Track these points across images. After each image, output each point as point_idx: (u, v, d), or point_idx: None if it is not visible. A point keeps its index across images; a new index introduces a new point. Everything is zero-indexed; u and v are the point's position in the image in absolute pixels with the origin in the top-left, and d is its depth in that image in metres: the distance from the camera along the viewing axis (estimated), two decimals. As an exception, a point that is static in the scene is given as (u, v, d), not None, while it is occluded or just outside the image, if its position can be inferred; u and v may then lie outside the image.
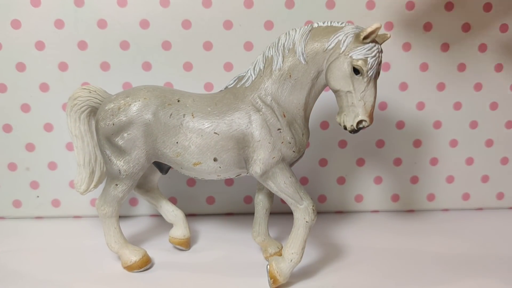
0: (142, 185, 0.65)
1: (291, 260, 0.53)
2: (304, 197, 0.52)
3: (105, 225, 0.59)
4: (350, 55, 0.47)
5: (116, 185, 0.57)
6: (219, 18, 0.71)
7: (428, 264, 0.61)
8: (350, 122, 0.49)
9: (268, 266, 0.54)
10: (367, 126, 0.49)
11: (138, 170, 0.56)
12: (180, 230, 0.65)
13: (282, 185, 0.52)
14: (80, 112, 0.60)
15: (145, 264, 0.60)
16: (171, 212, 0.66)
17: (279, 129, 0.51)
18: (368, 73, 0.47)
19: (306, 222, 0.52)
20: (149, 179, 0.65)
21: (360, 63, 0.47)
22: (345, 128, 0.49)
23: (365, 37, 0.47)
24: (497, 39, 0.74)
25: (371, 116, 0.48)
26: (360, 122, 0.48)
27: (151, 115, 0.54)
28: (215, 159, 0.53)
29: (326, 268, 0.60)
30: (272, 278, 0.53)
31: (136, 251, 0.60)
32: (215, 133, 0.53)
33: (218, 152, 0.53)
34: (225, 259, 0.63)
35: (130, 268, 0.59)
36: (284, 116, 0.52)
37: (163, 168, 0.62)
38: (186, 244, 0.65)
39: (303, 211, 0.52)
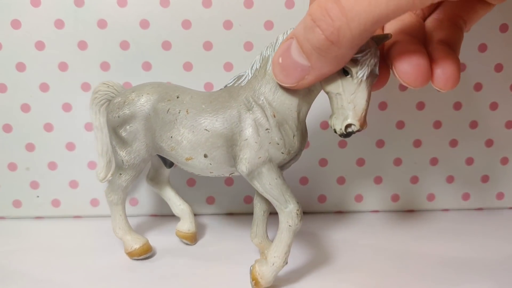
0: (154, 178, 0.68)
1: (273, 264, 0.52)
2: (289, 200, 0.51)
3: (112, 212, 0.63)
4: None
5: (120, 174, 0.60)
6: (219, 18, 0.71)
7: (428, 264, 0.61)
8: (339, 125, 0.46)
9: (251, 268, 0.54)
10: (357, 130, 0.45)
11: (139, 162, 0.59)
12: (186, 224, 0.67)
13: (267, 186, 0.51)
14: (99, 105, 0.63)
15: (146, 252, 0.62)
16: (178, 206, 0.68)
17: (267, 129, 0.50)
18: (358, 74, 0.44)
19: (289, 226, 0.51)
20: (160, 172, 0.67)
21: (349, 63, 0.44)
22: (335, 131, 0.47)
23: None
24: (497, 39, 0.74)
25: (361, 120, 0.45)
26: (348, 125, 0.45)
27: (151, 109, 0.56)
28: (205, 156, 0.53)
29: (326, 268, 0.60)
30: (254, 280, 0.52)
31: (138, 239, 0.62)
32: (205, 129, 0.53)
33: (208, 148, 0.53)
34: (225, 260, 0.63)
35: (131, 254, 0.62)
36: (274, 117, 0.50)
37: (166, 161, 0.64)
38: (191, 239, 0.66)
39: (286, 215, 0.51)
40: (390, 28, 0.49)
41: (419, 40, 0.47)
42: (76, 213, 0.78)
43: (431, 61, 0.45)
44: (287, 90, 0.50)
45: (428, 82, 0.44)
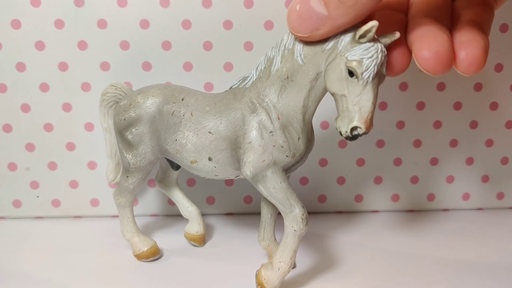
0: (162, 179, 0.68)
1: (278, 269, 0.51)
2: (294, 205, 0.50)
3: (120, 214, 0.63)
4: (345, 55, 0.44)
5: (127, 177, 0.60)
6: (219, 18, 0.71)
7: (428, 264, 0.61)
8: (345, 128, 0.45)
9: (257, 272, 0.53)
10: (363, 133, 0.45)
11: (146, 164, 0.58)
12: (194, 226, 0.67)
13: (272, 190, 0.50)
14: (108, 107, 0.64)
15: (154, 254, 0.62)
16: (186, 208, 0.68)
17: (271, 132, 0.50)
18: (363, 75, 0.43)
19: (295, 231, 0.50)
20: (168, 174, 0.67)
21: (354, 64, 0.43)
22: (340, 134, 0.46)
23: (361, 36, 0.43)
24: (497, 39, 0.74)
25: (367, 123, 0.44)
26: (354, 128, 0.44)
27: (157, 112, 0.56)
28: (209, 159, 0.53)
29: (325, 268, 0.60)
30: (260, 285, 0.52)
31: (146, 241, 0.62)
32: (209, 132, 0.52)
33: (213, 151, 0.53)
34: (230, 261, 0.63)
35: (139, 257, 0.62)
36: (279, 119, 0.50)
37: (173, 164, 0.64)
38: (199, 241, 0.66)
39: (291, 219, 0.50)
40: (414, 11, 0.48)
41: (444, 23, 0.45)
42: (76, 213, 0.78)
43: (456, 43, 0.43)
44: (291, 91, 0.49)
45: (450, 69, 0.43)
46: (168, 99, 0.56)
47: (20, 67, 0.72)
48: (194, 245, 0.67)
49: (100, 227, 0.74)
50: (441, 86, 0.75)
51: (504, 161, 0.79)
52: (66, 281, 0.57)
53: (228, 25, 0.71)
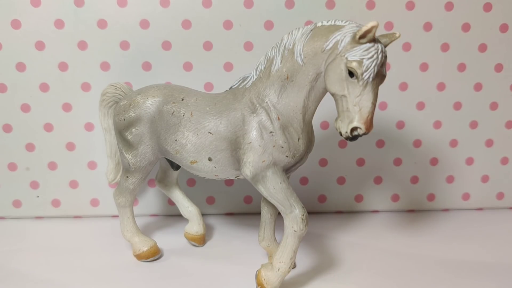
0: (162, 179, 0.68)
1: (278, 269, 0.51)
2: (294, 205, 0.50)
3: (120, 214, 0.63)
4: (346, 56, 0.44)
5: (127, 177, 0.60)
6: (219, 18, 0.71)
7: (428, 265, 0.61)
8: (345, 128, 0.45)
9: (257, 272, 0.53)
10: (363, 134, 0.45)
11: (146, 164, 0.58)
12: (194, 226, 0.66)
13: (272, 190, 0.50)
14: (108, 107, 0.63)
15: (154, 254, 0.62)
16: (186, 208, 0.67)
17: (271, 132, 0.50)
18: (364, 75, 0.43)
19: (294, 231, 0.50)
20: (168, 173, 0.67)
21: (354, 64, 0.43)
22: (340, 134, 0.46)
23: (361, 37, 0.43)
24: (497, 39, 0.74)
25: (367, 123, 0.44)
26: (354, 129, 0.45)
27: (156, 112, 0.56)
28: (209, 159, 0.53)
29: (325, 268, 0.60)
30: (260, 285, 0.52)
31: (146, 241, 0.62)
32: (209, 132, 0.52)
33: (213, 152, 0.53)
34: (230, 261, 0.63)
35: (139, 257, 0.62)
36: (279, 119, 0.50)
37: (173, 164, 0.64)
38: (199, 241, 0.66)
39: (291, 220, 0.50)
40: None
41: None
42: (76, 213, 0.78)
43: None
44: (290, 91, 0.49)
45: None
46: (168, 99, 0.56)
47: (20, 67, 0.72)
48: (194, 245, 0.67)
49: (100, 227, 0.74)
50: (441, 86, 0.75)
51: (504, 161, 0.79)
52: (66, 281, 0.57)
53: (228, 25, 0.71)
